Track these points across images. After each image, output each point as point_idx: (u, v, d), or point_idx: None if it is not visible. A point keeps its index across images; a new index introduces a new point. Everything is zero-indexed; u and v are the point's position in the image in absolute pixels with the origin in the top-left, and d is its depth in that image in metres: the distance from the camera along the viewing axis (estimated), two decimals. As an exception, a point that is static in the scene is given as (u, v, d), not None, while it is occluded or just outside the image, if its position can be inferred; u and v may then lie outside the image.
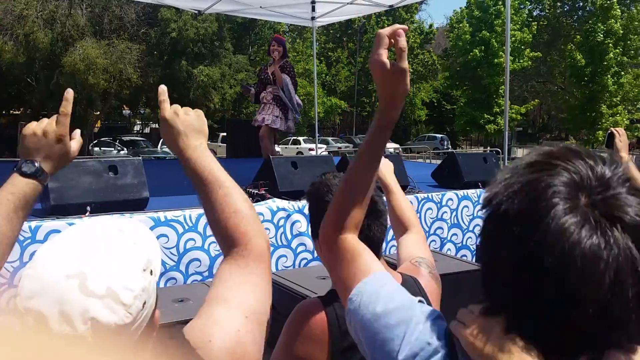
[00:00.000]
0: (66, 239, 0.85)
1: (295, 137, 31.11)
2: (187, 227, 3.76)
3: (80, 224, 0.89)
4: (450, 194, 5.08)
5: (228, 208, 1.15)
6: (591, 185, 0.74)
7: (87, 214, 3.54)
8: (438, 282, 1.68)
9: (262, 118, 6.00)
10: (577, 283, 0.71)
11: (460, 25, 31.24)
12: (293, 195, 4.38)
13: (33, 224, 3.27)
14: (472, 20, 30.71)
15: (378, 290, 1.02)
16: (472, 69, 30.36)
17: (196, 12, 8.81)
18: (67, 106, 1.19)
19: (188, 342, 0.95)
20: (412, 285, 1.59)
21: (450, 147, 34.01)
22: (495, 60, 29.25)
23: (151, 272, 0.86)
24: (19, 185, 1.11)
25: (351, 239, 1.16)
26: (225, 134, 20.40)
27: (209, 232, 3.85)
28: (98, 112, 24.87)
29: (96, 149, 24.56)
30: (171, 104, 1.26)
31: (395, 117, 1.15)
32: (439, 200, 4.99)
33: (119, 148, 24.70)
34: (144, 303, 0.83)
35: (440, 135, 35.35)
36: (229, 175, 1.21)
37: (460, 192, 5.13)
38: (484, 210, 0.83)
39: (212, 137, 29.86)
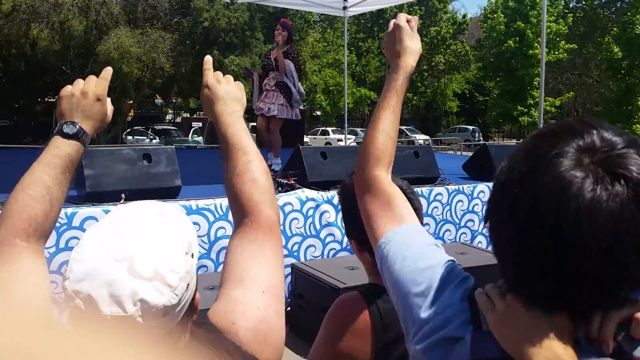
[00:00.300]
0: (111, 224, 0.87)
1: (323, 128, 31.11)
2: (217, 216, 3.81)
3: (122, 209, 0.91)
4: (482, 186, 5.03)
5: (246, 175, 1.17)
6: (596, 147, 0.74)
7: (121, 201, 3.61)
8: None
9: (268, 108, 5.74)
10: (577, 233, 0.71)
11: (495, 15, 30.68)
12: (322, 186, 4.39)
13: (69, 210, 3.35)
14: (507, 11, 30.14)
15: (409, 241, 1.02)
16: (506, 60, 29.82)
17: (228, 1, 8.85)
18: (107, 71, 1.23)
19: (215, 326, 0.97)
20: None
21: (482, 139, 33.53)
22: (530, 51, 28.67)
23: (192, 255, 0.89)
24: (63, 148, 1.11)
25: (385, 179, 1.16)
26: (254, 124, 20.51)
27: (239, 220, 3.90)
28: (131, 101, 25.27)
29: (129, 137, 24.99)
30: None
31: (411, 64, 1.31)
32: (470, 192, 4.95)
33: (151, 137, 25.09)
34: (187, 285, 0.85)
35: (471, 127, 34.85)
36: (255, 145, 1.23)
37: (492, 184, 5.05)
38: (492, 183, 0.84)
39: (242, 126, 30.01)
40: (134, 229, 0.85)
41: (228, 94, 1.28)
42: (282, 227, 4.03)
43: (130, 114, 27.57)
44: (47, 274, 1.02)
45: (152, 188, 3.79)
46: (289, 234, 4.07)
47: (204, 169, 5.18)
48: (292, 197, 4.12)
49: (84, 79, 1.21)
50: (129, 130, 25.88)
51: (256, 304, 1.01)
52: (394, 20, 1.32)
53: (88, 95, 1.17)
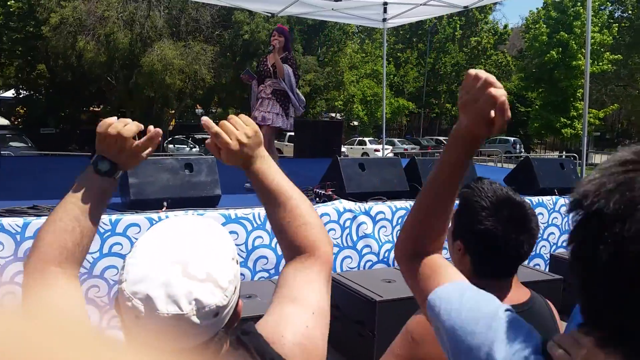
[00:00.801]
0: (163, 232, 0.93)
1: (360, 138, 31.08)
2: (255, 225, 3.85)
3: (170, 220, 0.98)
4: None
5: (297, 220, 1.18)
6: None
7: (163, 209, 3.69)
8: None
9: (262, 117, 5.43)
10: None
11: (537, 26, 30.16)
12: (360, 197, 4.38)
13: (113, 217, 3.44)
14: (550, 21, 29.58)
15: (459, 295, 0.98)
16: (548, 71, 29.25)
17: (269, 14, 8.97)
18: (140, 126, 1.26)
19: (261, 336, 1.01)
20: (540, 303, 1.56)
21: (523, 150, 32.90)
22: (574, 62, 28.06)
23: (237, 261, 0.95)
24: (95, 182, 1.17)
25: (436, 256, 1.12)
26: (292, 133, 20.74)
27: (277, 230, 3.94)
28: (173, 111, 25.83)
29: (170, 146, 25.49)
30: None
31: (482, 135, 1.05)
32: (511, 206, 4.85)
33: (191, 146, 25.54)
34: (235, 288, 0.92)
35: (513, 138, 34.22)
36: (293, 184, 1.24)
37: (535, 199, 4.96)
38: (573, 213, 0.78)
39: (280, 136, 30.32)
40: (185, 236, 0.92)
41: (255, 144, 1.23)
42: (319, 238, 4.05)
43: (171, 124, 28.15)
44: (82, 295, 1.09)
45: (192, 197, 3.86)
46: (326, 245, 4.07)
47: (243, 178, 5.24)
48: (330, 208, 4.13)
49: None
50: (171, 139, 26.42)
51: (306, 322, 1.07)
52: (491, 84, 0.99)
53: (122, 135, 1.21)
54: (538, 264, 4.93)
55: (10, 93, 26.74)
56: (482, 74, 0.98)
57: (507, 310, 0.93)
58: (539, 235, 5.04)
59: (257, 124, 4.95)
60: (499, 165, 18.38)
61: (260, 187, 1.22)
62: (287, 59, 5.58)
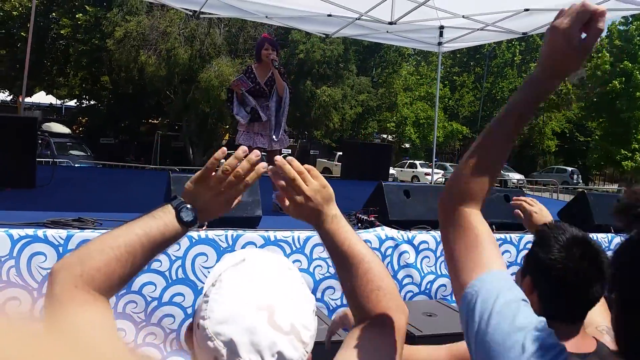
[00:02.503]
0: (249, 271, 0.88)
1: (411, 161, 30.78)
2: (294, 249, 3.79)
3: (252, 257, 0.93)
4: (577, 236, 4.68)
5: (370, 285, 1.11)
6: None
7: (204, 228, 3.69)
8: None
9: (281, 139, 5.02)
10: None
11: (600, 54, 29.23)
12: (403, 225, 4.26)
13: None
14: (613, 50, 28.62)
15: (496, 294, 0.94)
16: (610, 100, 28.24)
17: (324, 35, 9.02)
18: (253, 177, 1.14)
19: None
20: (607, 353, 1.46)
21: (581, 181, 31.76)
22: (638, 93, 26.97)
23: (316, 315, 0.91)
24: (170, 228, 1.06)
25: (475, 216, 1.08)
26: (341, 153, 20.84)
27: (315, 254, 3.86)
28: (227, 126, 26.31)
29: (223, 160, 25.96)
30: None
31: (551, 89, 1.10)
32: (564, 242, 4.62)
33: (242, 160, 25.93)
34: (313, 343, 0.88)
35: (570, 169, 33.09)
36: (367, 247, 1.17)
37: (590, 236, 4.71)
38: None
39: (329, 155, 30.45)
40: (272, 279, 0.87)
41: (324, 199, 1.15)
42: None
43: (225, 139, 28.70)
44: (115, 324, 0.99)
45: (233, 217, 3.84)
46: (366, 273, 3.96)
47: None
48: (371, 235, 4.03)
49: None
50: (223, 154, 26.93)
51: None
52: (601, 27, 1.10)
53: (220, 196, 1.13)
54: None
55: (73, 102, 27.99)
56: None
57: (540, 321, 0.91)
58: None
59: (273, 149, 4.53)
60: (555, 196, 17.73)
61: (331, 247, 1.15)
62: (282, 74, 4.95)
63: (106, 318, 0.96)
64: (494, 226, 4.59)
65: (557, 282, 1.42)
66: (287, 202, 1.15)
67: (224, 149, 1.15)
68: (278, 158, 1.15)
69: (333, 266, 1.19)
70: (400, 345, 1.09)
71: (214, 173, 1.13)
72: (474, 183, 1.09)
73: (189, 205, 1.09)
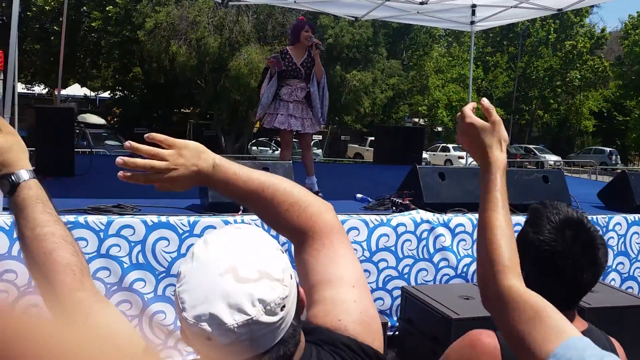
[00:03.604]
0: (199, 251, 0.89)
1: (444, 144, 30.40)
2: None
3: (199, 240, 0.93)
4: (618, 217, 4.57)
5: (283, 205, 1.12)
6: None
7: (240, 212, 3.72)
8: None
9: (302, 123, 4.98)
10: None
11: (637, 31, 28.21)
12: (438, 208, 4.22)
13: (192, 218, 3.51)
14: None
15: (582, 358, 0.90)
16: (650, 77, 27.30)
17: (353, 18, 8.93)
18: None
19: (323, 327, 0.99)
20: (599, 338, 1.42)
21: (620, 162, 30.88)
22: (680, 67, 26.00)
23: (282, 251, 0.91)
24: (20, 198, 1.05)
25: (522, 289, 1.05)
26: (373, 138, 20.70)
27: (350, 238, 3.86)
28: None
29: (254, 148, 26.17)
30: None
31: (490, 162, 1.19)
32: (605, 224, 4.51)
33: (274, 148, 26.07)
34: (290, 276, 0.88)
35: (609, 149, 32.17)
36: (260, 171, 1.16)
37: (631, 217, 4.59)
38: None
39: (361, 141, 30.30)
40: (223, 245, 0.88)
41: (191, 157, 1.12)
42: (393, 248, 3.93)
43: (256, 126, 28.86)
44: (119, 314, 1.01)
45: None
46: (401, 256, 3.95)
47: (319, 183, 5.22)
48: (406, 218, 4.01)
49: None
50: (254, 141, 27.08)
51: (352, 298, 1.03)
52: (465, 118, 1.24)
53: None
54: (631, 287, 4.55)
55: (107, 94, 28.49)
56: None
57: None
58: (634, 256, 4.62)
59: (292, 131, 4.58)
60: (593, 177, 17.28)
61: (232, 194, 1.13)
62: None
63: (111, 316, 0.98)
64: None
65: (544, 265, 1.35)
66: (159, 185, 1.11)
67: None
68: (119, 160, 1.08)
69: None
70: (343, 241, 1.11)
71: None
72: (512, 251, 1.09)
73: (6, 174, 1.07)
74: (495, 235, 1.09)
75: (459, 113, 1.24)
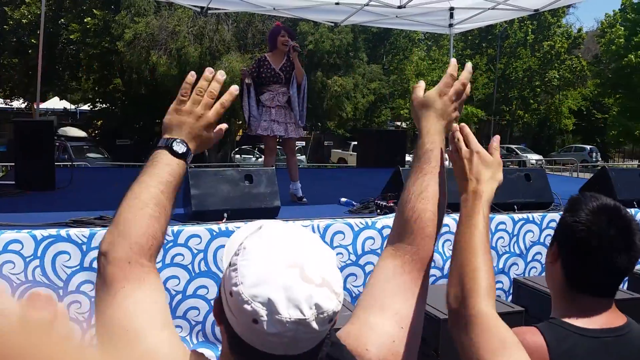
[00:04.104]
0: (270, 234, 0.89)
1: (428, 147, 30.54)
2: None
3: (269, 223, 0.94)
4: (600, 212, 4.62)
5: (430, 203, 1.15)
6: None
7: (224, 220, 3.70)
8: None
9: (285, 128, 5.00)
10: None
11: (613, 29, 28.68)
12: (424, 209, 4.23)
13: (175, 228, 3.48)
14: (627, 24, 28.06)
15: None
16: (626, 76, 27.69)
17: (333, 24, 8.97)
18: (228, 99, 1.20)
19: (345, 347, 0.95)
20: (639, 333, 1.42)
21: (600, 159, 31.33)
22: (655, 65, 26.46)
23: (339, 268, 0.92)
24: (174, 166, 1.10)
25: (495, 318, 1.05)
26: (356, 143, 20.79)
27: (335, 242, 3.85)
28: (240, 122, 26.38)
29: (237, 156, 26.08)
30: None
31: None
32: (587, 219, 4.56)
33: (257, 155, 26.00)
34: (343, 295, 0.89)
35: (589, 147, 32.63)
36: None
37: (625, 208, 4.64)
38: None
39: (344, 145, 30.36)
40: (294, 240, 0.88)
41: (445, 108, 1.26)
42: (379, 251, 3.93)
43: (239, 134, 28.79)
44: (164, 297, 1.02)
45: (252, 208, 3.85)
46: (388, 258, 3.95)
47: (304, 188, 5.21)
48: (391, 220, 4.00)
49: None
50: (237, 149, 26.99)
51: (392, 337, 0.99)
52: (462, 148, 1.28)
53: (201, 120, 1.16)
54: None
55: (87, 106, 28.23)
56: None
57: None
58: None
59: (275, 136, 4.62)
60: (575, 174, 17.50)
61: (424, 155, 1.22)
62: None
63: (154, 297, 0.98)
64: (515, 206, 4.54)
65: (579, 247, 1.37)
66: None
67: (193, 72, 1.21)
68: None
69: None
70: (425, 279, 1.11)
71: (194, 101, 1.16)
72: (491, 276, 1.08)
73: (177, 139, 1.13)
74: (477, 257, 1.09)
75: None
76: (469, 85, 1.28)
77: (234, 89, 1.20)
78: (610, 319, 1.39)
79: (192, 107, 1.15)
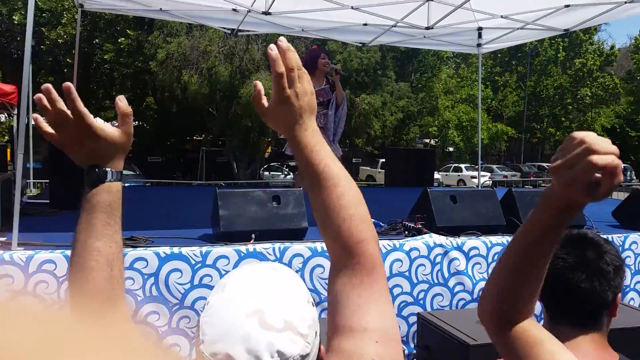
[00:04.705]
0: (233, 284, 0.88)
1: (456, 165, 30.29)
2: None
3: (234, 271, 0.93)
4: (634, 236, 4.51)
5: (343, 211, 1.01)
6: None
7: (251, 241, 3.72)
8: None
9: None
10: None
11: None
12: (451, 231, 4.19)
13: (204, 249, 3.51)
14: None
15: None
16: (662, 91, 27.12)
17: (361, 44, 9.03)
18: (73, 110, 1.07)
19: None
20: None
21: (635, 177, 30.56)
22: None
23: (312, 303, 0.90)
24: (96, 194, 1.03)
25: (527, 327, 1.02)
26: (384, 160, 20.76)
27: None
28: (269, 139, 26.61)
29: (266, 173, 26.29)
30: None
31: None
32: (621, 242, 4.45)
33: (285, 172, 26.17)
34: (315, 333, 0.87)
35: (623, 165, 31.85)
36: (343, 167, 1.07)
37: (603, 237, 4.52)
38: None
39: (372, 163, 30.32)
40: (256, 285, 0.87)
41: (307, 105, 1.06)
42: (407, 273, 3.90)
43: (267, 151, 29.02)
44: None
45: (280, 229, 3.86)
46: (415, 281, 3.92)
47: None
48: (419, 242, 3.98)
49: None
50: (266, 166, 27.21)
51: (370, 355, 0.93)
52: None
53: (76, 130, 1.06)
54: (632, 299, 4.46)
55: (121, 124, 28.80)
56: (588, 138, 0.87)
57: None
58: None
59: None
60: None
61: (305, 163, 1.04)
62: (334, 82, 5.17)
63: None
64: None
65: (550, 277, 1.37)
66: (265, 102, 1.06)
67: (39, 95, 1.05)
68: (282, 40, 1.05)
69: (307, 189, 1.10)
70: (382, 285, 1.01)
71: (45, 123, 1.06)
72: (519, 307, 1.04)
73: (84, 168, 1.06)
74: (529, 271, 1.02)
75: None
76: (292, 59, 1.06)
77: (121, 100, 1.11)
78: (599, 356, 1.34)
79: (60, 126, 1.08)
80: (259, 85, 1.10)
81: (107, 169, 1.06)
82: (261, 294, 0.85)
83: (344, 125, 5.28)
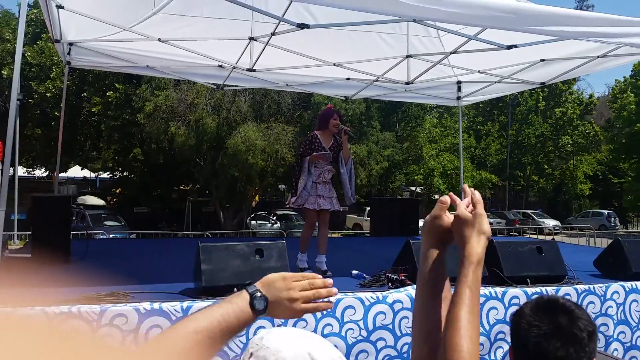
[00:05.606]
0: (280, 335, 1.02)
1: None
2: (324, 312, 3.77)
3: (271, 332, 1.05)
4: (615, 285, 4.55)
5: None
6: None
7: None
8: None
9: (331, 202, 5.36)
10: None
11: (624, 95, 29.01)
12: (434, 283, 4.20)
13: (185, 304, 3.49)
14: (637, 90, 28.38)
15: None
16: (638, 142, 27.74)
17: (344, 98, 9.24)
18: (323, 308, 1.21)
19: None
20: None
21: (619, 224, 30.87)
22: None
23: None
24: (245, 313, 1.08)
25: None
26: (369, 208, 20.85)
27: (346, 317, 3.83)
28: (256, 189, 26.68)
29: (253, 222, 26.19)
30: None
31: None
32: (603, 292, 4.49)
33: (272, 221, 26.10)
34: None
35: (607, 211, 32.26)
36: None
37: (628, 284, 4.57)
38: None
39: (359, 211, 30.37)
40: (301, 338, 1.02)
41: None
42: (391, 326, 3.89)
43: (254, 200, 29.03)
44: None
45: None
46: (399, 334, 3.90)
47: (309, 263, 5.23)
48: (402, 294, 3.99)
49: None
50: (253, 215, 27.14)
51: None
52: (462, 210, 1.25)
53: (292, 302, 1.15)
54: (635, 357, 4.46)
55: (107, 174, 28.83)
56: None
57: None
58: (635, 324, 4.53)
59: (322, 210, 4.79)
60: (592, 242, 17.20)
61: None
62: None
63: None
64: (528, 280, 4.49)
65: (519, 340, 1.39)
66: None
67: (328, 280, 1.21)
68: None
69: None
70: None
71: (299, 282, 1.17)
72: (474, 355, 1.11)
73: (260, 294, 1.11)
74: (459, 334, 1.10)
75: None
76: None
77: (333, 298, 1.24)
78: None
79: (294, 288, 1.17)
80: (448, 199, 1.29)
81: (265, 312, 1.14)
82: (310, 342, 0.97)
83: (354, 182, 5.60)
